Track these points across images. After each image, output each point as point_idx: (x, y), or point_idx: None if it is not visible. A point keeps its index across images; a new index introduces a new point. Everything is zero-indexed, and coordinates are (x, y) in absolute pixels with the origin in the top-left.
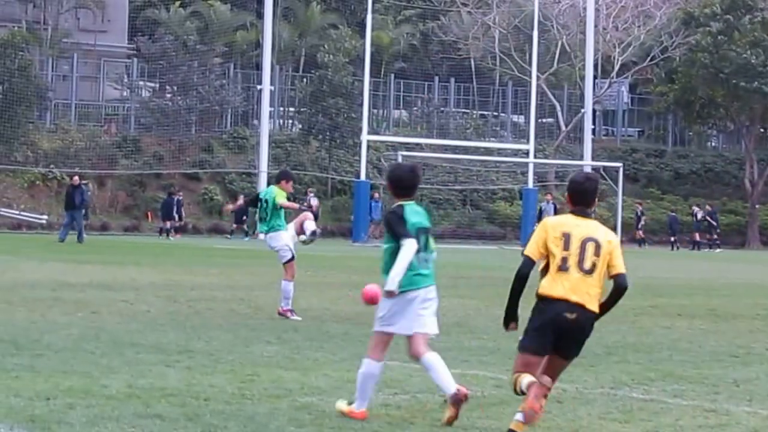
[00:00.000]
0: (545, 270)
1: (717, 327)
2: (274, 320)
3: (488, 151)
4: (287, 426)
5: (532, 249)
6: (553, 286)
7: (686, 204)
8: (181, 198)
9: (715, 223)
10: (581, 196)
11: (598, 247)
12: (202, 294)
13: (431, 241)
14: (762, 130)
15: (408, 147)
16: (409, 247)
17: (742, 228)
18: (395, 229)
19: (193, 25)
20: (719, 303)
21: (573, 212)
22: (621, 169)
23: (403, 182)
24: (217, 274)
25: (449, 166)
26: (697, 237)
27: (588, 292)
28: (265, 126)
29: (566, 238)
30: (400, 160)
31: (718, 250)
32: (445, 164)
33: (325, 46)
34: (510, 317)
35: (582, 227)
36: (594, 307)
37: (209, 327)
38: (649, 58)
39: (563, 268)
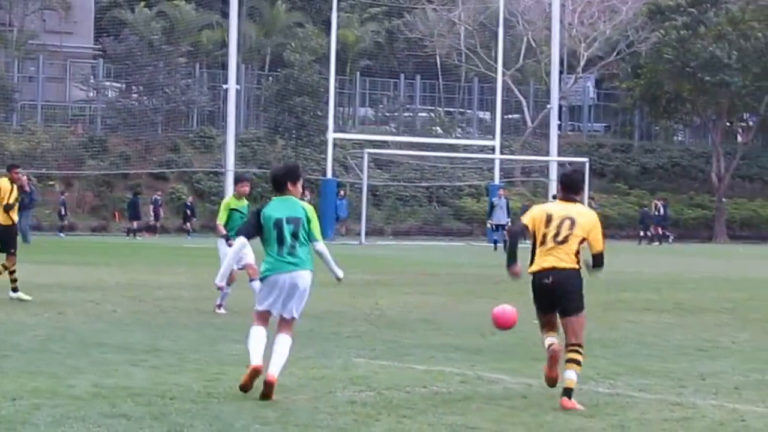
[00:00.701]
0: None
1: (683, 321)
2: (241, 319)
3: (454, 148)
4: (253, 424)
5: (527, 218)
6: (536, 262)
7: (652, 199)
8: (159, 198)
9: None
10: (569, 185)
11: (573, 223)
12: (169, 293)
13: (313, 231)
14: (728, 124)
15: (374, 144)
16: (237, 242)
17: (710, 222)
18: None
19: (159, 25)
20: (686, 297)
21: (561, 198)
22: (587, 165)
23: (273, 178)
24: (183, 274)
25: (415, 163)
26: (659, 231)
27: (558, 257)
28: (232, 125)
29: (548, 218)
30: (366, 157)
31: (664, 243)
32: (412, 161)
33: (292, 44)
34: (510, 264)
35: (563, 209)
36: (567, 264)
37: (175, 326)
38: (615, 53)
39: (543, 243)
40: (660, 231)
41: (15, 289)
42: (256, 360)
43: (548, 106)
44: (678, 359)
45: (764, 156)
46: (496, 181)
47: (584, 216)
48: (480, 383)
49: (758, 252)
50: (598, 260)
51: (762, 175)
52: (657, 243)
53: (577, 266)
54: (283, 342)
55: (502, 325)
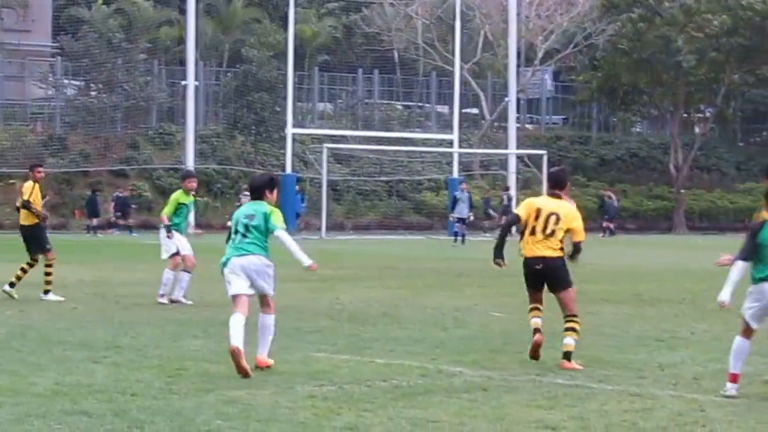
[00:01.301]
0: (522, 238)
1: (642, 312)
2: (201, 314)
3: (413, 142)
4: (214, 420)
5: (521, 209)
6: (527, 248)
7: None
8: (123, 195)
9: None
10: (554, 182)
11: (558, 219)
12: (130, 290)
13: (273, 222)
14: (686, 114)
15: (333, 139)
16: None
17: (669, 213)
18: None
19: (117, 22)
20: (645, 288)
21: (549, 194)
22: (545, 157)
23: (251, 187)
24: (144, 270)
25: (375, 158)
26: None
27: (549, 246)
28: (191, 121)
29: (538, 212)
30: (325, 152)
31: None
32: (371, 155)
33: (250, 40)
34: (497, 255)
35: (550, 205)
36: (554, 254)
37: (136, 323)
38: (572, 46)
39: (533, 233)
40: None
41: (46, 291)
42: (234, 341)
43: (506, 99)
44: (637, 350)
45: (721, 147)
46: (455, 174)
47: (566, 210)
48: (440, 376)
49: (717, 243)
50: (578, 248)
51: (720, 166)
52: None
53: (562, 254)
54: (264, 322)
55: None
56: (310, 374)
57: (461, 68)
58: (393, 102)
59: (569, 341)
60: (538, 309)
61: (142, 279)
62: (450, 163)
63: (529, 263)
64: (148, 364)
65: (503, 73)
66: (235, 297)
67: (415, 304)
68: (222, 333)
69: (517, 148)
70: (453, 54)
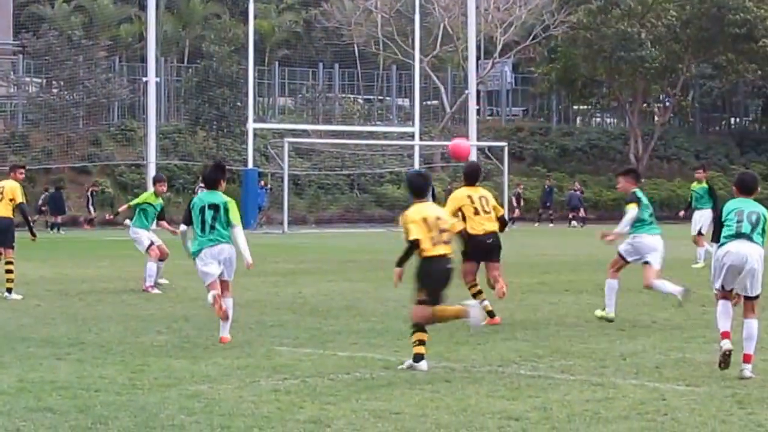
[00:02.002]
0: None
1: (604, 302)
2: (165, 310)
3: (374, 135)
4: (178, 414)
5: (449, 208)
6: (477, 227)
7: (572, 181)
8: (51, 192)
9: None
10: (473, 176)
11: (487, 200)
12: (93, 286)
13: (231, 217)
14: (645, 105)
15: (294, 133)
16: (180, 230)
17: None
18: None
19: (78, 19)
20: (606, 278)
21: (466, 185)
22: (506, 149)
23: (206, 178)
24: (107, 267)
25: (336, 151)
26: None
27: (492, 223)
28: (152, 117)
29: (471, 198)
30: (286, 147)
31: (551, 225)
32: (332, 149)
33: (211, 36)
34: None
35: (476, 192)
36: (496, 228)
37: (100, 319)
38: (531, 38)
39: (477, 213)
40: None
41: (9, 290)
42: (214, 293)
43: (466, 91)
44: (599, 340)
45: (681, 136)
46: (416, 167)
47: (488, 192)
48: (403, 368)
49: (677, 232)
50: (503, 220)
51: (679, 155)
52: (537, 224)
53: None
54: (227, 304)
55: (459, 153)
56: (273, 368)
57: (421, 61)
58: (354, 96)
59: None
60: (475, 278)
61: (105, 275)
62: (411, 156)
63: (481, 239)
64: (112, 360)
65: (463, 66)
66: (212, 282)
67: (377, 297)
68: (184, 329)
69: (478, 140)
70: (413, 47)
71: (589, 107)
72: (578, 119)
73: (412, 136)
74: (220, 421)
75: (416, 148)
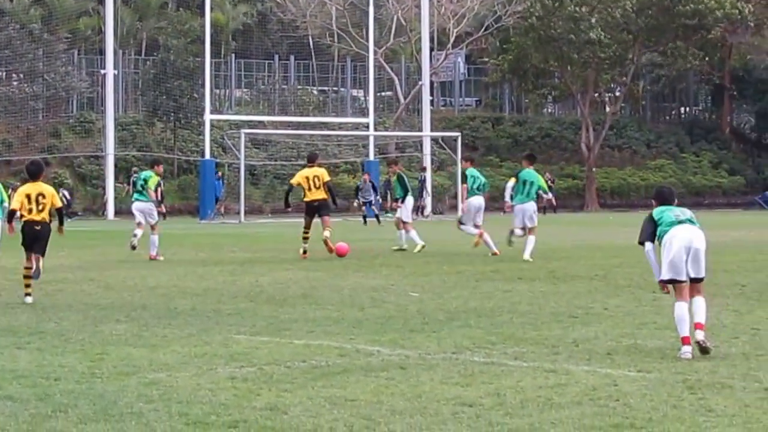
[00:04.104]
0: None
1: (556, 289)
2: (124, 299)
3: (329, 126)
4: (136, 402)
5: (296, 180)
6: (310, 196)
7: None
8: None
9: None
10: (312, 159)
11: (319, 177)
12: (53, 276)
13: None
14: (596, 94)
15: (250, 125)
16: None
17: (580, 191)
18: None
19: (37, 12)
20: (558, 265)
21: (309, 166)
22: (459, 138)
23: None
24: (66, 256)
25: (291, 142)
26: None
27: (321, 194)
28: (111, 109)
29: (307, 178)
30: (243, 138)
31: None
32: (288, 140)
33: (168, 29)
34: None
35: (311, 170)
36: (323, 196)
37: (59, 308)
38: (483, 29)
39: (309, 189)
40: None
41: None
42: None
43: (420, 82)
44: (551, 326)
45: (632, 125)
46: (371, 157)
47: (321, 171)
48: (358, 356)
49: (628, 220)
50: (329, 184)
51: (630, 144)
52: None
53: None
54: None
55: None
56: (230, 356)
57: (375, 53)
58: (309, 87)
59: (328, 234)
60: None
61: (64, 264)
62: (366, 146)
63: (311, 204)
64: (71, 348)
65: (416, 57)
66: None
67: (332, 285)
68: (143, 317)
69: (432, 130)
70: (367, 39)
71: (541, 96)
72: (530, 109)
73: (366, 126)
74: (178, 408)
75: (371, 139)
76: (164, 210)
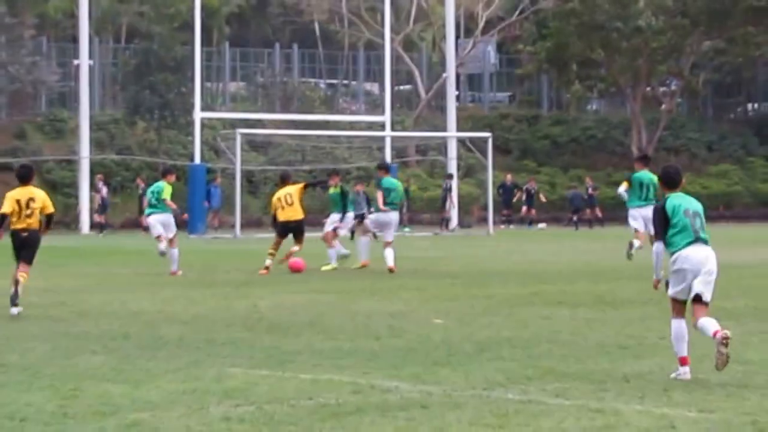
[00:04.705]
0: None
1: (603, 316)
2: (101, 327)
3: (339, 125)
4: None
5: (272, 206)
6: (283, 216)
7: (566, 177)
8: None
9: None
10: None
11: (291, 195)
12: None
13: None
14: (649, 89)
15: (248, 124)
16: None
17: None
18: None
19: None
20: (606, 288)
21: (281, 187)
22: (490, 140)
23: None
24: (33, 278)
25: (295, 144)
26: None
27: (296, 211)
28: (85, 106)
29: (279, 199)
30: (238, 139)
31: (539, 225)
32: (291, 142)
33: (151, 14)
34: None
35: (283, 190)
36: (299, 217)
37: (25, 337)
38: (517, 12)
39: (282, 207)
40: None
41: None
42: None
43: (444, 75)
44: (598, 359)
45: (690, 125)
46: (388, 161)
47: (294, 187)
48: (373, 393)
49: None
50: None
51: (689, 146)
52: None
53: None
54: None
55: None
56: (224, 392)
57: (392, 41)
58: (315, 80)
59: (296, 249)
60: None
61: (30, 286)
62: (382, 149)
63: (285, 225)
64: (39, 385)
65: (440, 46)
66: None
67: (344, 311)
68: (124, 348)
69: (458, 129)
70: (382, 25)
71: (585, 90)
72: (572, 106)
73: (382, 126)
74: None
75: (387, 140)
76: (186, 216)
